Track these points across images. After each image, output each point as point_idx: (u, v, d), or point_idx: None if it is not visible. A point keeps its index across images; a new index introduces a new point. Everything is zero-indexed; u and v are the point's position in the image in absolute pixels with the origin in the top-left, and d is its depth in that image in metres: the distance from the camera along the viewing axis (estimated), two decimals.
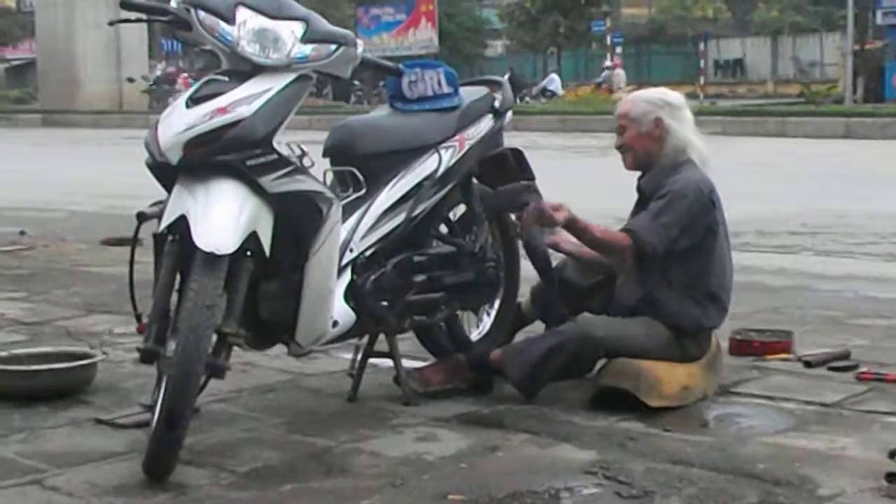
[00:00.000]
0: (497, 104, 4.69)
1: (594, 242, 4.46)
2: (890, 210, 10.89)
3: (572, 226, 4.43)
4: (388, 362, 4.47)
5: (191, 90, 3.76)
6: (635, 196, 4.61)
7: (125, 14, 3.93)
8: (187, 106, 3.67)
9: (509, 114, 4.77)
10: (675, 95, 4.61)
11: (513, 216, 4.65)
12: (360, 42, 4.03)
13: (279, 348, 4.18)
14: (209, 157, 3.62)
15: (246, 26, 3.78)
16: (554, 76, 39.33)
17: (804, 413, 4.23)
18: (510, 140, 4.97)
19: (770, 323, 5.64)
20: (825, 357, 4.94)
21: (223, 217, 3.57)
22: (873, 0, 40.75)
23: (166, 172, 3.70)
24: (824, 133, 21.70)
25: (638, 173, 4.59)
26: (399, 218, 4.30)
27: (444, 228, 4.68)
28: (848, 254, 8.71)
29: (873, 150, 18.75)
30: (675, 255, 4.38)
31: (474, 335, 4.89)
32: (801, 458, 3.70)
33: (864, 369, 4.76)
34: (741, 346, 5.09)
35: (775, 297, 6.80)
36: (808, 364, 4.88)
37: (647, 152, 4.51)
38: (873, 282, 7.47)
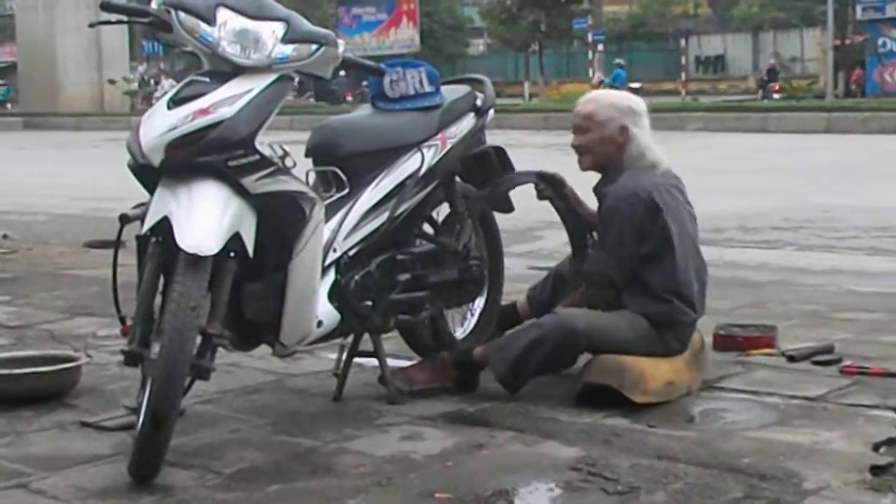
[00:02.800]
0: (479, 102, 4.69)
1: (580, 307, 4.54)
2: (872, 204, 10.94)
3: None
4: (374, 362, 4.47)
5: (172, 91, 3.75)
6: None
7: (105, 16, 3.92)
8: (169, 107, 3.67)
9: (491, 112, 4.77)
10: (638, 102, 4.62)
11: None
12: (341, 42, 4.03)
13: (264, 349, 4.18)
14: (191, 159, 3.62)
15: (226, 27, 3.77)
16: (619, 72, 38.96)
17: (788, 407, 4.24)
18: (493, 138, 4.98)
19: (753, 318, 5.66)
20: (809, 351, 4.96)
21: (206, 218, 3.57)
22: None
23: (149, 174, 3.70)
24: (806, 128, 21.77)
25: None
26: (382, 217, 4.30)
27: (427, 227, 4.69)
28: (830, 248, 8.75)
29: (855, 144, 18.82)
30: (643, 260, 4.41)
31: (459, 333, 4.90)
32: (785, 452, 3.71)
33: (847, 363, 4.78)
34: (725, 342, 5.10)
35: (758, 292, 6.83)
36: (791, 358, 4.90)
37: (607, 156, 4.53)
38: (856, 276, 7.50)
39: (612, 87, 39.57)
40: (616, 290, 4.44)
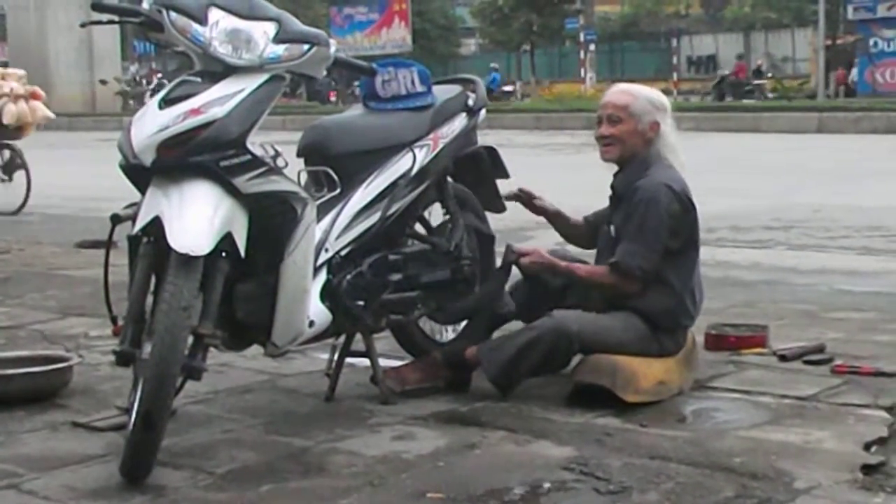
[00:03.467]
0: (471, 102, 4.69)
1: (585, 281, 4.51)
2: (863, 204, 10.95)
3: (553, 271, 4.50)
4: (365, 362, 4.47)
5: (163, 91, 3.75)
6: (609, 193, 4.63)
7: (97, 16, 3.92)
8: (160, 107, 3.67)
9: (483, 112, 4.77)
10: (664, 99, 4.63)
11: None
12: (332, 41, 4.03)
13: (255, 349, 4.17)
14: (183, 159, 3.62)
15: (218, 27, 3.77)
16: (495, 75, 39.08)
17: (780, 407, 4.25)
18: (484, 138, 4.98)
19: (745, 317, 5.67)
20: (800, 351, 4.96)
21: (197, 218, 3.56)
22: None
23: (140, 174, 3.69)
24: (797, 128, 21.80)
25: (611, 170, 4.60)
26: (374, 217, 4.30)
27: (418, 227, 4.69)
28: (822, 248, 8.76)
29: (846, 143, 18.85)
30: (666, 256, 4.40)
31: (450, 334, 4.90)
32: (777, 451, 3.72)
33: (838, 362, 4.79)
34: (717, 341, 5.11)
35: (750, 292, 6.84)
36: (783, 358, 4.90)
37: (634, 150, 4.51)
38: (847, 275, 7.51)
39: (489, 90, 39.57)
40: (641, 285, 4.42)
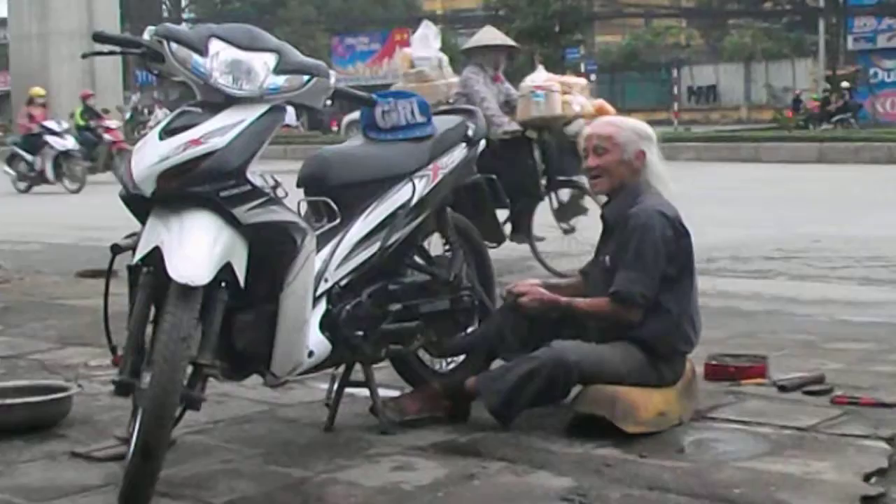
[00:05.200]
0: (470, 133, 4.70)
1: (586, 315, 4.51)
2: (863, 234, 10.96)
3: (553, 308, 4.51)
4: (365, 391, 4.47)
5: (164, 122, 3.77)
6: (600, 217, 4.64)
7: (99, 47, 3.94)
8: (160, 138, 3.68)
9: (483, 142, 4.79)
10: (649, 129, 4.65)
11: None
12: (332, 72, 4.05)
13: (255, 379, 4.17)
14: (183, 189, 3.63)
15: (218, 58, 3.79)
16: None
17: (779, 437, 4.24)
18: None
19: (745, 347, 5.66)
20: (800, 381, 4.95)
21: (197, 248, 3.57)
22: (844, 26, 41.11)
23: (140, 204, 3.71)
24: (798, 158, 21.84)
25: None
26: (373, 247, 4.30)
27: (418, 257, 4.69)
28: (822, 278, 8.75)
29: (846, 174, 18.87)
30: (664, 281, 4.40)
31: (450, 364, 4.90)
32: (776, 482, 3.71)
33: (838, 393, 4.78)
34: (716, 371, 5.10)
35: (750, 322, 6.83)
36: (782, 388, 4.89)
37: (622, 180, 4.53)
38: (847, 306, 7.50)
39: None
40: (642, 312, 4.42)
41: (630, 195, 4.49)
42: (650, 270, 4.37)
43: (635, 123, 4.64)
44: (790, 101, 39.53)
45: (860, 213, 12.95)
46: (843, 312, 7.24)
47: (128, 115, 38.41)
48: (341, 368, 4.47)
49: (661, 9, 55.04)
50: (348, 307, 4.22)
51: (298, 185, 4.36)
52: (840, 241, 10.51)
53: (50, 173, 20.96)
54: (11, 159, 21.63)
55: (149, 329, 3.63)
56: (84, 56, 4.39)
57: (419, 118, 4.55)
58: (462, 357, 4.87)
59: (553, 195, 8.92)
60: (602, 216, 4.61)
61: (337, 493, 3.70)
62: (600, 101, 9.11)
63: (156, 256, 3.58)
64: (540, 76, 9.02)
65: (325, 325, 4.16)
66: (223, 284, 3.64)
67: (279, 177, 3.92)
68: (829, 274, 8.91)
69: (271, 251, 3.79)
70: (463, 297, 4.61)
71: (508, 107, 8.97)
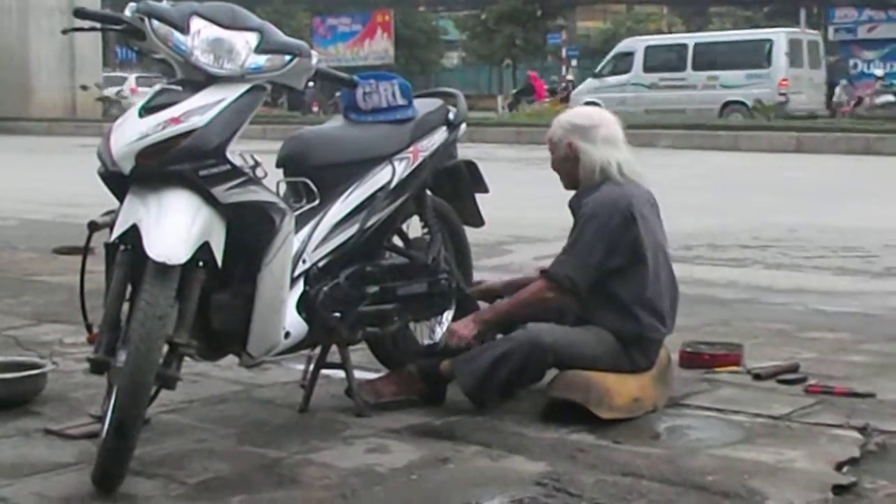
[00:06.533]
0: (451, 116, 4.70)
1: (522, 310, 4.50)
2: (840, 224, 11.00)
3: (494, 321, 4.53)
4: (341, 373, 4.47)
5: (144, 99, 3.75)
6: None
7: (79, 22, 3.92)
8: (140, 115, 3.66)
9: (463, 126, 4.78)
10: (585, 116, 4.65)
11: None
12: (314, 53, 4.04)
13: (231, 359, 4.17)
14: (162, 167, 3.61)
15: (200, 36, 3.77)
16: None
17: (753, 425, 4.26)
18: (465, 152, 4.99)
19: (720, 336, 5.69)
20: (774, 370, 4.98)
21: (175, 227, 3.56)
22: (825, 16, 41.21)
23: (118, 182, 3.69)
24: (776, 147, 21.88)
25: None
26: (352, 229, 4.30)
27: (396, 240, 4.69)
28: (798, 267, 8.79)
29: (824, 164, 18.93)
30: (612, 274, 4.41)
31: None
32: (749, 470, 3.73)
33: (812, 382, 4.81)
34: (691, 359, 5.12)
35: (725, 310, 6.86)
36: (757, 377, 4.92)
37: (569, 174, 4.58)
38: (822, 295, 7.54)
39: None
40: (574, 298, 4.44)
41: (590, 186, 4.50)
42: (583, 257, 4.39)
43: (564, 117, 4.67)
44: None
45: (837, 203, 13.00)
46: (818, 302, 7.28)
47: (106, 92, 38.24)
48: (317, 349, 4.47)
49: None
50: (326, 289, 4.22)
51: (278, 166, 4.35)
52: (816, 231, 10.55)
53: None
54: None
55: (125, 307, 3.61)
56: (64, 32, 4.38)
57: (400, 100, 4.54)
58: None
59: None
60: (569, 206, 4.61)
61: (311, 473, 3.70)
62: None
63: (133, 234, 3.57)
64: None
65: (302, 307, 4.16)
66: (200, 264, 3.63)
67: (258, 157, 3.91)
68: (805, 263, 8.95)
69: (250, 231, 3.78)
70: (441, 280, 4.61)
71: None
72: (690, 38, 32.85)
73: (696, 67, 30.28)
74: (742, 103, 29.21)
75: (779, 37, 30.23)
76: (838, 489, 3.57)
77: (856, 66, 38.71)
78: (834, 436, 4.13)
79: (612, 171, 4.49)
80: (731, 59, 29.97)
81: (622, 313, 4.42)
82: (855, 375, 4.98)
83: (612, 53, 32.72)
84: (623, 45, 32.97)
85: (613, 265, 4.40)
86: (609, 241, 4.38)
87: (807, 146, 21.93)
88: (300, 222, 4.13)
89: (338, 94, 33.88)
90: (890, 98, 31.74)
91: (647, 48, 31.51)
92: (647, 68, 30.85)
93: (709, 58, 30.38)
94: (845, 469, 3.78)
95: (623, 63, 31.31)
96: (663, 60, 30.55)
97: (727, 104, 29.58)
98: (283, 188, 4.29)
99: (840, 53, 40.20)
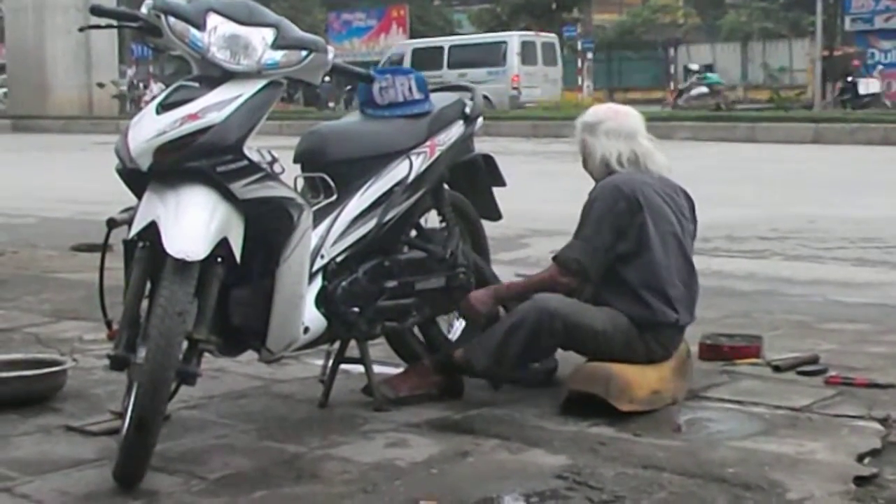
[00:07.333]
0: (468, 110, 4.70)
1: (536, 292, 4.51)
2: (858, 214, 10.96)
3: (503, 300, 4.60)
4: (360, 368, 4.47)
5: (161, 96, 3.75)
6: None
7: (95, 20, 3.93)
8: (158, 112, 3.67)
9: (480, 120, 4.78)
10: (592, 113, 4.72)
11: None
12: (330, 48, 4.04)
13: (250, 354, 4.17)
14: (179, 164, 3.62)
15: (216, 32, 3.77)
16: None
17: (773, 417, 4.25)
18: (482, 145, 4.99)
19: (740, 327, 5.67)
20: (794, 361, 4.97)
21: (194, 223, 3.56)
22: (842, 6, 41.02)
23: (136, 179, 3.70)
24: (794, 138, 21.81)
25: None
26: (370, 224, 4.30)
27: (414, 234, 4.69)
28: (817, 258, 8.76)
29: (842, 154, 18.87)
30: (622, 259, 4.42)
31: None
32: (770, 462, 3.72)
33: (832, 373, 4.79)
34: (711, 351, 5.11)
35: (745, 302, 6.84)
36: (777, 368, 4.91)
37: (590, 171, 4.68)
38: (842, 286, 7.51)
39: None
40: (586, 281, 4.45)
41: (599, 179, 4.60)
42: (590, 239, 4.42)
43: (581, 116, 4.74)
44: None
45: (855, 193, 12.95)
46: (838, 293, 7.25)
47: (123, 89, 38.34)
48: (336, 344, 4.47)
49: None
50: (344, 283, 4.22)
51: (295, 161, 4.36)
52: (835, 222, 10.51)
53: None
54: None
55: (144, 304, 3.62)
56: (81, 29, 4.39)
57: (417, 95, 4.54)
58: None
59: None
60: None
61: (331, 468, 3.71)
62: None
63: (152, 231, 3.58)
64: None
65: (320, 302, 4.16)
66: (219, 260, 3.64)
67: (275, 152, 3.92)
68: (824, 254, 8.92)
69: (268, 227, 3.79)
70: (459, 274, 4.61)
71: None
72: (446, 42, 37.31)
73: (450, 66, 33.85)
74: (486, 97, 31.15)
75: (512, 39, 35.29)
76: (860, 480, 3.55)
77: (873, 55, 38.50)
78: (855, 427, 4.12)
79: (612, 162, 4.55)
80: (476, 59, 34.25)
81: (633, 298, 4.43)
82: (875, 366, 4.96)
83: (386, 56, 36.71)
84: (395, 49, 37.83)
85: (622, 250, 4.41)
86: (615, 225, 4.40)
87: (825, 137, 21.86)
88: (318, 218, 4.13)
89: (348, 87, 34.19)
90: (703, 90, 34.63)
91: (414, 50, 35.86)
92: (415, 68, 31.80)
93: (460, 58, 34.45)
94: (867, 460, 3.77)
95: (398, 65, 33.59)
96: (426, 61, 33.08)
97: None
98: (300, 184, 4.29)
99: (857, 43, 40.02)
